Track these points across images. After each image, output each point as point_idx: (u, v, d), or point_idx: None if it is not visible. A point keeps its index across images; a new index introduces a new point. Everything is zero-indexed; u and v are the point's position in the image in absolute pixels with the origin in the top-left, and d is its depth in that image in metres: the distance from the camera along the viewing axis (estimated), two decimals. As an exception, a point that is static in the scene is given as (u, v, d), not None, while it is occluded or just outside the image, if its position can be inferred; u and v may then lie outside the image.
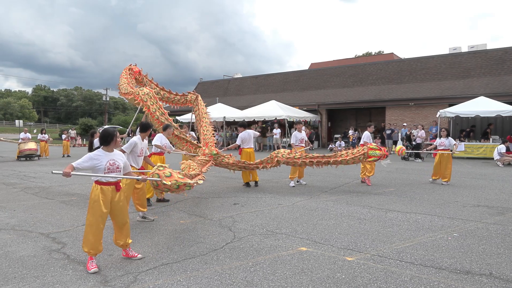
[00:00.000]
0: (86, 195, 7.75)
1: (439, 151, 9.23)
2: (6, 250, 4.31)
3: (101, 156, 3.80)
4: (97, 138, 4.27)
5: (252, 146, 9.06)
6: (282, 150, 8.40)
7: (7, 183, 9.41)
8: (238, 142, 8.96)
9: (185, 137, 8.61)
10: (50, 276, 3.55)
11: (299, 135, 9.32)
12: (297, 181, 9.15)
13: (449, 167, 9.01)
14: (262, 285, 3.32)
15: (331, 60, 36.33)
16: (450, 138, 9.33)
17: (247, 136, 8.89)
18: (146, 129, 5.77)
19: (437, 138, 9.58)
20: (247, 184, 8.72)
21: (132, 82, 9.07)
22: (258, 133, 10.22)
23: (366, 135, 9.32)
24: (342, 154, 8.14)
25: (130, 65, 9.44)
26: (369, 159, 8.07)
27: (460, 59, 22.07)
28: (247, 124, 9.96)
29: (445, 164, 9.00)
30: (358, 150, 8.11)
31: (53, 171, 3.69)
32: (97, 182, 3.80)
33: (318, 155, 8.21)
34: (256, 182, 8.79)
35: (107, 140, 3.86)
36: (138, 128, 5.95)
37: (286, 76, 30.15)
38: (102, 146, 3.89)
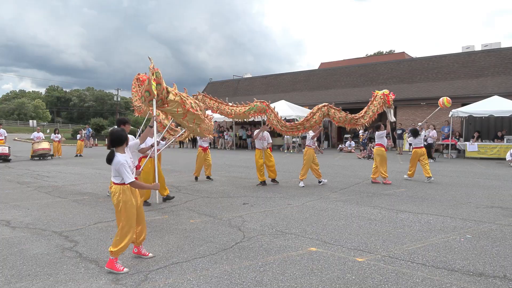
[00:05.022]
0: (97, 194, 7.86)
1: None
2: (21, 248, 4.40)
3: (125, 158, 3.74)
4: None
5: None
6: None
7: (21, 182, 9.59)
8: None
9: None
10: (63, 274, 3.60)
11: (311, 134, 9.53)
12: (319, 182, 9.06)
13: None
14: (272, 285, 3.32)
15: (341, 59, 36.12)
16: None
17: (267, 136, 9.31)
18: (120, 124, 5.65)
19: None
20: (263, 183, 8.94)
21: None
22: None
23: (380, 134, 9.57)
24: (367, 112, 8.45)
25: (138, 74, 9.50)
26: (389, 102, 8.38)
27: (473, 58, 21.69)
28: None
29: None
30: (377, 99, 8.42)
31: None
32: (122, 183, 3.71)
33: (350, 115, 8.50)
34: (274, 179, 9.18)
35: (122, 141, 3.78)
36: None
37: (296, 76, 30.06)
38: (115, 148, 3.76)
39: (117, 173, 3.70)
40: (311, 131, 9.47)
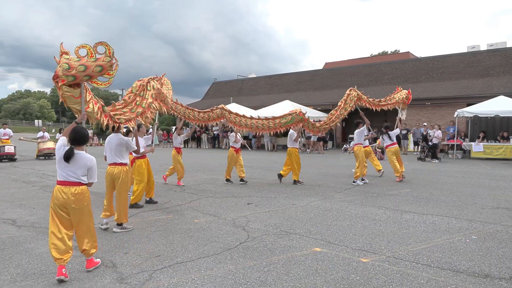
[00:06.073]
0: (101, 193, 7.88)
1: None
2: (26, 246, 4.43)
3: None
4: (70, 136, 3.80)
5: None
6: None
7: (27, 182, 9.66)
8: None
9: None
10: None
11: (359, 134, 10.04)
12: (362, 179, 9.26)
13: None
14: (276, 285, 3.31)
15: (346, 59, 36.02)
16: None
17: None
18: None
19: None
20: (280, 176, 9.34)
21: None
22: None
23: (394, 133, 10.05)
24: (391, 99, 9.89)
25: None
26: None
27: (479, 58, 21.54)
28: None
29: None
30: (401, 93, 10.06)
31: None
32: (88, 184, 3.71)
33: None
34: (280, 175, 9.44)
35: (86, 141, 3.73)
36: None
37: (300, 75, 30.02)
38: (76, 146, 3.62)
39: (86, 172, 3.63)
40: (364, 131, 9.73)
